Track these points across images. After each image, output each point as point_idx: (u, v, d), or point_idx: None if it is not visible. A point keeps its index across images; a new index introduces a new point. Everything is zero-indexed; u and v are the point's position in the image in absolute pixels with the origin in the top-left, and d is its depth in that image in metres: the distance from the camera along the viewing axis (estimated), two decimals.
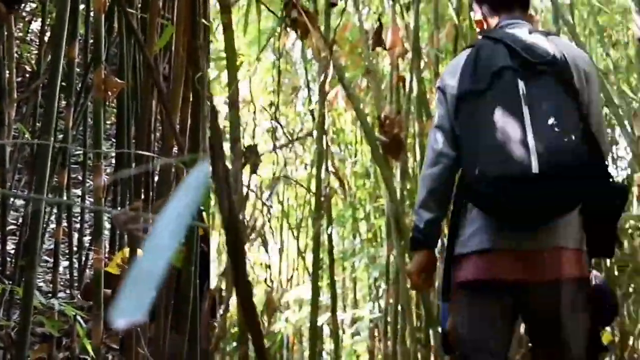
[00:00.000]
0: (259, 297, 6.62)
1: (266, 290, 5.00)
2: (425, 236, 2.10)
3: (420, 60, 5.34)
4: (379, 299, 8.48)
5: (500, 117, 1.85)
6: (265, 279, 5.75)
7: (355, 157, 8.72)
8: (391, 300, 5.46)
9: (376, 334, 7.44)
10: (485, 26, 2.30)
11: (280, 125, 5.17)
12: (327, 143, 4.46)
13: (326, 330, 6.88)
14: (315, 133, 5.85)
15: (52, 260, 3.53)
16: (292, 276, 6.98)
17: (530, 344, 2.23)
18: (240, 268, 1.25)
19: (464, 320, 2.06)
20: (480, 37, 2.27)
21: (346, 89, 4.41)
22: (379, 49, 5.70)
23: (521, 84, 1.89)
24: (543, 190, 1.80)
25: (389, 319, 5.61)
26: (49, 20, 3.85)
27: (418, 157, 5.33)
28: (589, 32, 7.41)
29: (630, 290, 7.78)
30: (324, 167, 4.39)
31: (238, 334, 3.09)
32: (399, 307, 5.09)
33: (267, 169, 6.78)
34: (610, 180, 2.01)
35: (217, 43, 4.55)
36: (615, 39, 7.83)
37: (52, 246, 3.64)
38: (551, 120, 1.81)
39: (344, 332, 8.11)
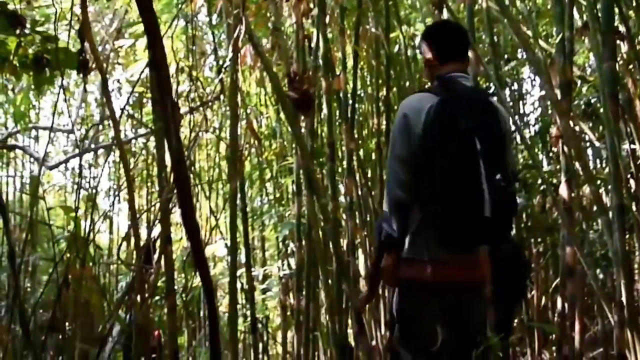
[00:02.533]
0: (176, 255, 6.66)
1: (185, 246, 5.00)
2: (396, 242, 2.61)
3: (325, 17, 5.40)
4: (287, 257, 8.69)
5: (463, 168, 2.45)
6: (181, 238, 5.77)
7: (261, 118, 8.78)
8: (304, 257, 5.53)
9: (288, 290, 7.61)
10: (431, 68, 2.77)
11: (201, 84, 5.13)
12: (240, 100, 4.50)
13: (239, 286, 6.98)
14: (223, 96, 5.87)
15: None
16: (205, 234, 7.01)
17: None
18: (189, 207, 1.33)
19: (414, 308, 2.64)
20: (436, 84, 2.71)
21: (255, 46, 4.45)
22: (285, 7, 5.76)
23: (477, 142, 2.44)
24: (490, 228, 2.47)
25: (301, 276, 5.70)
26: None
27: (325, 114, 5.43)
28: None
29: (541, 250, 8.26)
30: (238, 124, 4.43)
31: (165, 285, 3.14)
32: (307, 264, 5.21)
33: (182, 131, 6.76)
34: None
35: (132, 12, 4.50)
36: None
37: None
38: (498, 176, 2.44)
39: (254, 289, 8.24)
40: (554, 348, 6.97)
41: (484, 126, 2.50)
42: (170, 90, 1.30)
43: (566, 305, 4.92)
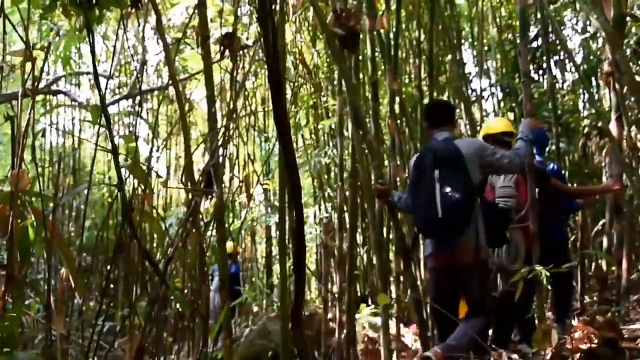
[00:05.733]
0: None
1: (246, 178, 5.02)
2: (396, 204, 4.39)
3: None
4: (324, 201, 8.78)
5: (426, 191, 3.87)
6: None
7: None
8: (345, 197, 5.51)
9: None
10: (428, 131, 4.33)
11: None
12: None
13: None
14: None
15: None
16: (243, 180, 7.06)
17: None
18: (282, 107, 1.34)
19: (430, 286, 4.35)
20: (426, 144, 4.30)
21: None
22: None
23: (436, 172, 3.86)
24: (443, 225, 3.81)
25: (342, 216, 5.68)
26: None
27: (369, 52, 5.39)
28: None
29: None
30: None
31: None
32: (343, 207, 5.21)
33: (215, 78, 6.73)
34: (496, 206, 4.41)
35: None
36: None
37: None
38: (448, 190, 3.78)
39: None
40: (594, 293, 6.99)
41: (442, 161, 3.89)
42: None
43: (613, 244, 4.92)
